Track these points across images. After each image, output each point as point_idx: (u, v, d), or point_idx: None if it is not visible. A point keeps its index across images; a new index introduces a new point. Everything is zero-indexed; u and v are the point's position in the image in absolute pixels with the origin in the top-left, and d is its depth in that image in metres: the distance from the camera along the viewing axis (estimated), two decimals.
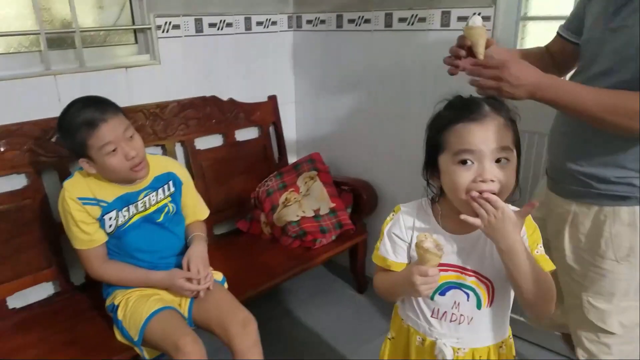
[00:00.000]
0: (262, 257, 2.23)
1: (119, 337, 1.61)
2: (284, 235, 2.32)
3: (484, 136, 0.97)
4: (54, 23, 1.95)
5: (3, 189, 1.77)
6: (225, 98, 2.43)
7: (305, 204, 2.39)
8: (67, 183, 1.56)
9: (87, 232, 1.56)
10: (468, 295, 1.11)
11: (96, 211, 1.56)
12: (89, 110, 1.46)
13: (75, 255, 1.78)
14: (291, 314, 2.46)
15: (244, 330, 1.56)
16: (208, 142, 2.39)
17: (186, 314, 1.64)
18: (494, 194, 0.98)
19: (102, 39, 2.11)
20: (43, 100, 1.85)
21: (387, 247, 1.16)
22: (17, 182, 1.81)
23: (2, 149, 1.74)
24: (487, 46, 1.23)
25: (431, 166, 1.09)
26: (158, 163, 1.69)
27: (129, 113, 2.00)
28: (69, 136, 1.49)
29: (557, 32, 1.46)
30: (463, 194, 1.00)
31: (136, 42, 2.18)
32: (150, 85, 2.14)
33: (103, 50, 2.10)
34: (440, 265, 1.02)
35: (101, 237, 1.60)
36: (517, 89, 1.15)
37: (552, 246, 1.43)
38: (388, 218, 1.19)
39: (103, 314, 1.74)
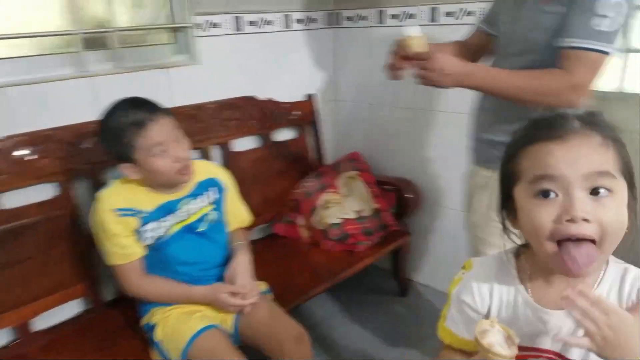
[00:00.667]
0: (303, 262, 2.16)
1: (156, 359, 1.53)
2: (325, 239, 2.25)
3: (568, 157, 0.72)
4: (89, 23, 1.89)
5: (32, 200, 1.68)
6: (264, 98, 2.36)
7: (346, 205, 2.31)
8: (101, 194, 1.48)
9: (123, 245, 1.48)
10: None
11: (135, 223, 1.48)
12: (138, 111, 1.40)
13: (106, 269, 1.70)
14: (332, 320, 2.39)
15: (298, 347, 1.49)
16: (246, 143, 2.33)
17: (231, 330, 1.57)
18: (592, 241, 0.71)
19: (140, 39, 2.06)
20: (78, 103, 1.79)
21: (455, 320, 0.89)
22: (46, 191, 1.72)
23: (35, 157, 1.66)
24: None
25: (508, 203, 0.83)
26: (201, 168, 1.62)
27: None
28: (114, 138, 1.41)
29: (477, 26, 1.66)
30: (545, 240, 0.73)
31: (175, 41, 2.13)
32: (189, 86, 2.09)
33: (141, 50, 2.04)
34: (529, 350, 0.78)
35: (139, 251, 1.52)
36: (444, 77, 1.32)
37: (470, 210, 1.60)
38: (456, 277, 0.91)
39: (138, 333, 1.64)
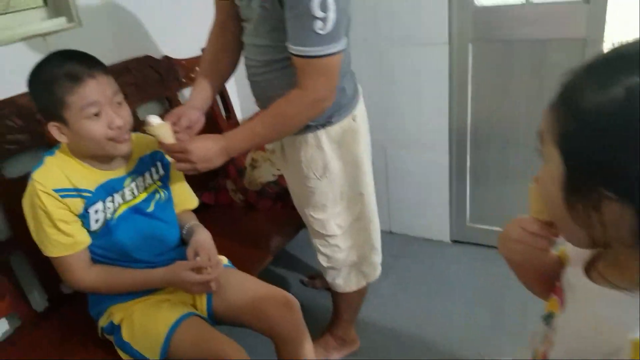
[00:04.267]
0: (247, 227, 2.00)
1: None
2: (263, 198, 2.10)
3: None
4: None
5: None
6: (159, 57, 2.08)
7: (276, 160, 2.16)
8: (36, 174, 1.21)
9: (68, 233, 1.23)
10: None
11: (78, 204, 1.23)
12: (75, 63, 1.17)
13: (28, 276, 1.52)
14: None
15: (287, 313, 1.37)
16: (151, 110, 2.05)
17: (205, 315, 1.39)
18: None
19: (2, 6, 1.67)
20: None
21: None
22: None
23: None
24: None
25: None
26: (141, 140, 1.38)
27: None
28: (43, 91, 1.18)
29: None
30: None
31: (45, 3, 1.76)
32: None
33: (5, 19, 1.66)
34: None
35: (85, 239, 1.27)
36: (211, 161, 1.29)
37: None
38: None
39: (93, 338, 1.41)
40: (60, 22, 1.75)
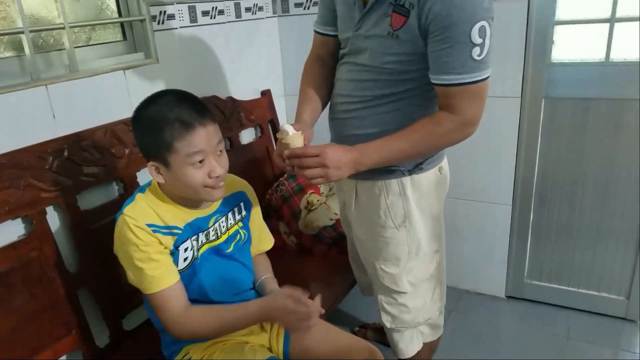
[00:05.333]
0: (303, 272, 1.94)
1: None
2: (318, 244, 2.06)
3: None
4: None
5: None
6: (224, 97, 2.10)
7: (332, 204, 2.13)
8: (128, 209, 1.19)
9: (164, 266, 1.19)
10: None
11: (169, 241, 1.20)
12: (186, 109, 1.14)
13: (95, 311, 1.50)
14: None
15: None
16: None
17: (281, 356, 1.34)
18: None
19: (85, 38, 1.70)
20: (34, 117, 1.43)
21: None
22: (12, 230, 1.38)
23: None
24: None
25: None
26: (226, 180, 1.34)
27: (128, 124, 1.66)
28: (150, 131, 1.15)
29: (317, 32, 1.52)
30: None
31: (124, 38, 1.79)
32: (149, 89, 1.73)
33: (89, 50, 1.69)
34: None
35: (176, 273, 1.23)
36: (341, 170, 1.23)
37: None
38: None
39: None
40: (139, 57, 1.78)
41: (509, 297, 2.40)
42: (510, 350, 2.08)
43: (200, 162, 1.16)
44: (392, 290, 1.52)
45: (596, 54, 1.92)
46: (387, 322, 1.57)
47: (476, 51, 1.14)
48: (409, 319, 1.55)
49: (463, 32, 1.12)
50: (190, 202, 1.25)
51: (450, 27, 1.12)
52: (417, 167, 1.38)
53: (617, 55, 1.89)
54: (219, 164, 1.19)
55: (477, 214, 2.31)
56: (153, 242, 1.18)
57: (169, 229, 1.20)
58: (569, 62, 2.00)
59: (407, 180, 1.40)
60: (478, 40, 1.13)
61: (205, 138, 1.15)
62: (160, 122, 1.13)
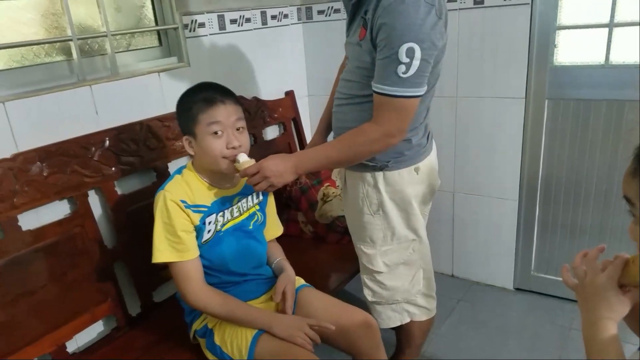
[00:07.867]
0: (316, 258, 2.14)
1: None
2: (331, 232, 2.23)
3: None
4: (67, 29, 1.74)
5: (47, 220, 1.56)
6: (249, 97, 2.31)
7: None
8: (169, 186, 1.41)
9: (183, 241, 1.38)
10: None
11: (197, 217, 1.41)
12: (212, 91, 1.41)
13: (128, 283, 1.70)
14: None
15: (367, 332, 1.48)
16: None
17: None
18: None
19: (125, 44, 1.94)
20: (79, 113, 1.67)
21: None
22: (60, 209, 1.61)
23: (46, 173, 1.53)
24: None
25: None
26: None
27: (164, 120, 1.87)
28: (183, 111, 1.43)
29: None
30: None
31: (160, 44, 2.02)
32: (181, 90, 1.97)
33: (128, 55, 1.92)
34: None
35: (195, 250, 1.42)
36: (283, 176, 1.42)
37: None
38: None
39: (182, 343, 1.56)
40: (172, 61, 2.00)
41: (517, 289, 2.50)
42: (518, 340, 2.18)
43: (217, 133, 1.37)
44: (370, 269, 1.68)
45: (596, 57, 2.02)
46: (368, 295, 1.73)
47: (401, 68, 1.28)
48: (387, 295, 1.69)
49: (391, 48, 1.27)
50: (217, 179, 1.46)
51: (385, 41, 1.28)
52: (385, 165, 1.53)
53: (616, 58, 1.99)
54: (237, 138, 1.39)
55: (485, 209, 2.42)
56: (182, 218, 1.38)
57: (197, 207, 1.41)
58: (571, 65, 2.10)
59: (379, 175, 1.55)
60: (405, 60, 1.27)
61: (224, 112, 1.37)
62: (191, 102, 1.40)
